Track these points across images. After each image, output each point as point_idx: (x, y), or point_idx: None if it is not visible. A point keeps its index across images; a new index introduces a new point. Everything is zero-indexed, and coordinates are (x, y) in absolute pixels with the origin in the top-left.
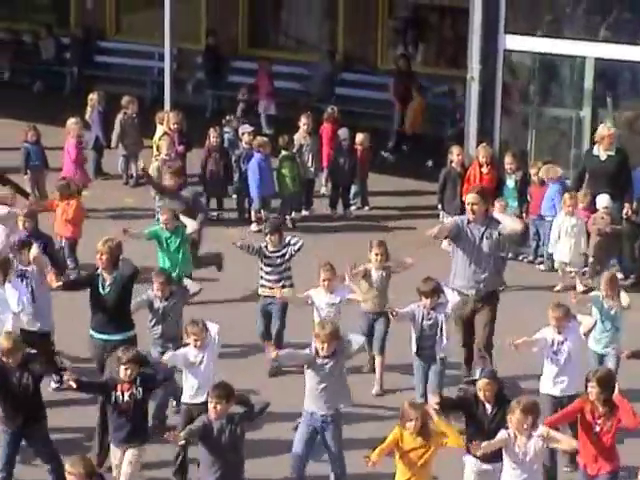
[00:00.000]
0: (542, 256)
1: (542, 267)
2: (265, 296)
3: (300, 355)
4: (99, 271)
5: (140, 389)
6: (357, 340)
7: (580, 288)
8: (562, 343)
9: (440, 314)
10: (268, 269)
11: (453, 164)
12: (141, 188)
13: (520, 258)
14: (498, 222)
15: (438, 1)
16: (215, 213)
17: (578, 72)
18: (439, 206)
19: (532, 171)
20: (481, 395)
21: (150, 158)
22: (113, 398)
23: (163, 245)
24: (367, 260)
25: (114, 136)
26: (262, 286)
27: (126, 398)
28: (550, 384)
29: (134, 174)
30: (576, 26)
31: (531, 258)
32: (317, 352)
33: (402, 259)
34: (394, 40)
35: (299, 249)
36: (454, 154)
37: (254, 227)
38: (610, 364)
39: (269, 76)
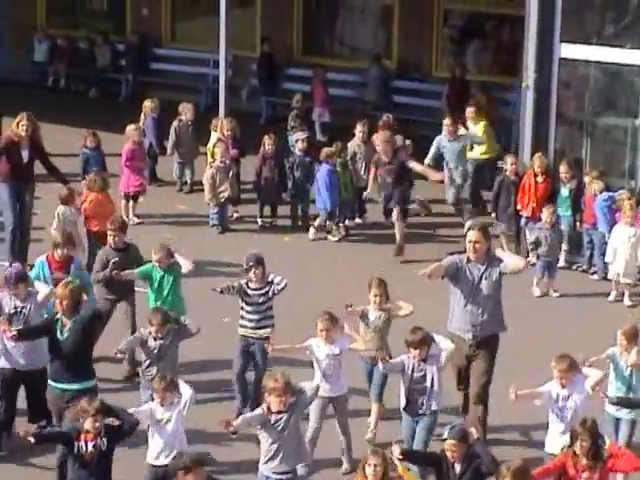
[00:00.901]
0: (595, 265)
1: (595, 277)
2: (245, 336)
3: (254, 417)
4: (58, 316)
5: (105, 439)
6: (309, 387)
7: (628, 302)
8: (567, 398)
9: (432, 365)
10: (249, 308)
11: (507, 172)
12: (194, 195)
13: (574, 267)
14: (500, 260)
15: (493, 9)
16: (269, 220)
17: (634, 80)
18: (493, 215)
19: (586, 179)
20: (448, 455)
21: (205, 165)
22: (76, 448)
23: (154, 285)
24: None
25: (169, 143)
26: (242, 326)
27: (90, 448)
28: (556, 443)
29: (188, 181)
30: (632, 34)
31: (585, 267)
32: (269, 409)
33: (397, 305)
34: (449, 48)
35: (283, 288)
36: (508, 163)
37: (312, 234)
38: (625, 429)
39: (323, 83)
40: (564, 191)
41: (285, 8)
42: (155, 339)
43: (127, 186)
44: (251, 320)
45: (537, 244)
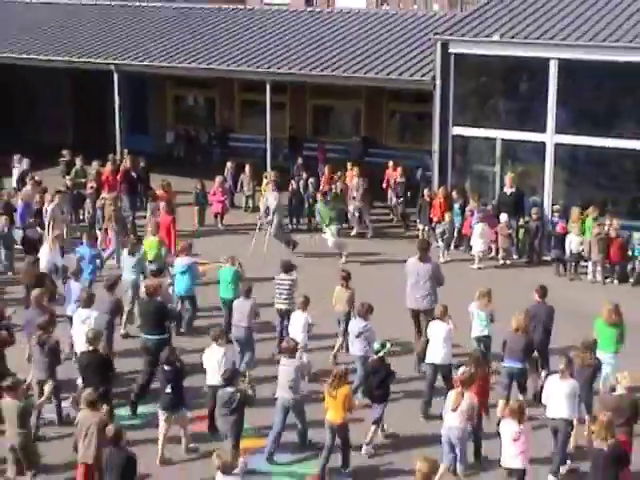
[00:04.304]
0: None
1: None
2: None
3: None
4: None
5: None
6: None
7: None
8: None
9: None
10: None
11: (425, 197)
12: (255, 214)
13: (460, 249)
14: None
15: (416, 109)
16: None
17: (492, 148)
18: (417, 220)
19: (471, 202)
20: None
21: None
22: None
23: None
24: None
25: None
26: None
27: None
28: None
29: (251, 206)
30: (490, 119)
31: (463, 248)
32: None
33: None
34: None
35: None
36: (424, 192)
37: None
38: None
39: (323, 150)
40: (456, 206)
41: (301, 110)
42: None
43: (216, 208)
44: None
45: (442, 234)
